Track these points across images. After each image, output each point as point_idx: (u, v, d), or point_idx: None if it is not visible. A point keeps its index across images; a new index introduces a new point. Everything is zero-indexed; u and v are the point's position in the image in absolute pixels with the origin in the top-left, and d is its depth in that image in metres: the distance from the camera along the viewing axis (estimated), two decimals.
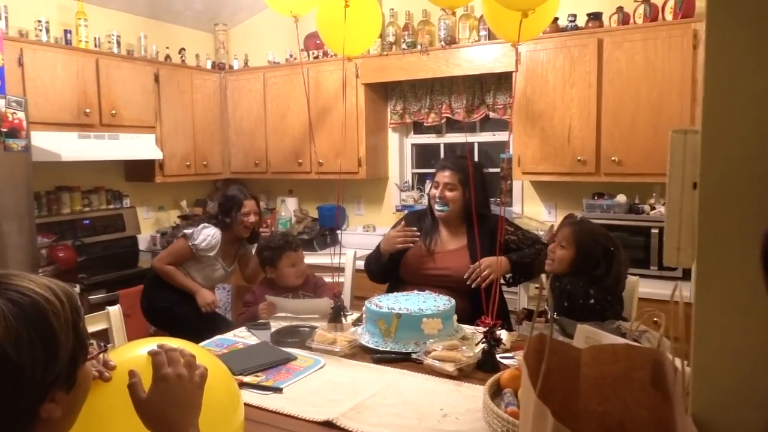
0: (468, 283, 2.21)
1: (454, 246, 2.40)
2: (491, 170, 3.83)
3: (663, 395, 0.81)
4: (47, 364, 0.74)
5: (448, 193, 2.36)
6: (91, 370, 0.86)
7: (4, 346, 0.70)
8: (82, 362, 0.81)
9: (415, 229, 2.40)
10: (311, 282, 2.58)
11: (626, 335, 1.37)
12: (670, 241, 0.83)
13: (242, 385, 1.62)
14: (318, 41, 4.00)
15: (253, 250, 2.93)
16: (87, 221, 3.67)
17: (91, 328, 1.98)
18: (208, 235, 2.81)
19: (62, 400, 0.77)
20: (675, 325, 0.82)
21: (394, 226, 2.55)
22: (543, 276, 2.03)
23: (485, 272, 2.19)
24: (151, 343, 0.95)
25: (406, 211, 2.82)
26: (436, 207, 2.39)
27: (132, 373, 0.88)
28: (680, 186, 0.82)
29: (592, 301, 1.86)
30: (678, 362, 0.76)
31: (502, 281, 2.27)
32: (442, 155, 4.07)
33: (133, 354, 0.99)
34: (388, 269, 2.45)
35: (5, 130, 2.72)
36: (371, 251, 2.56)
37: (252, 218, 2.88)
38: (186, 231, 2.87)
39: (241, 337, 2.11)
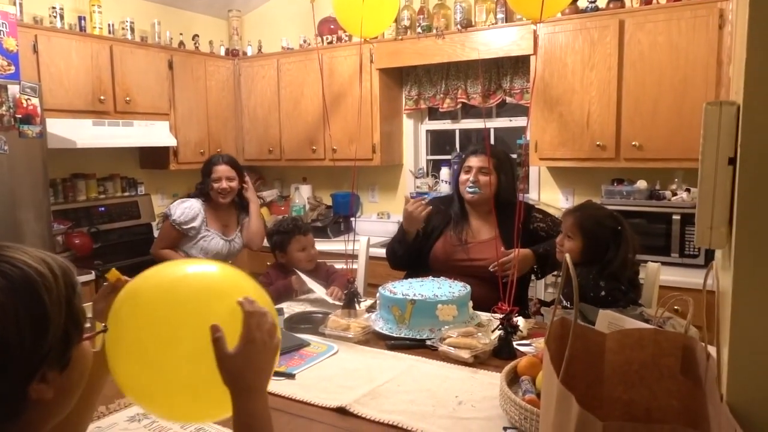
0: (490, 268, 2.16)
1: (485, 236, 2.34)
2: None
3: (693, 383, 0.77)
4: (36, 340, 0.70)
5: (482, 177, 2.30)
6: (88, 351, 0.81)
7: None
8: (76, 341, 0.77)
9: (425, 201, 2.32)
10: (323, 269, 2.55)
11: (650, 322, 1.33)
12: (703, 221, 0.78)
13: None
14: (332, 26, 3.96)
15: (251, 219, 2.98)
16: (102, 208, 3.68)
17: None
18: (185, 207, 2.80)
19: (54, 381, 0.73)
20: (700, 312, 0.78)
21: None
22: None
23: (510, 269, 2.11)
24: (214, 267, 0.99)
25: (427, 197, 2.75)
26: (468, 190, 2.32)
27: (215, 328, 0.87)
28: (714, 162, 0.77)
29: (603, 293, 1.80)
30: (711, 349, 0.72)
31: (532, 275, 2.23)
32: (457, 141, 4.01)
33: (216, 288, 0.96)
34: (414, 251, 2.38)
35: (20, 116, 2.72)
36: (389, 238, 2.51)
37: (224, 184, 2.82)
38: (166, 210, 2.87)
39: None
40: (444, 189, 3.81)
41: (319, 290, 2.25)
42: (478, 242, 2.33)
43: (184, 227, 2.80)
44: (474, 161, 2.34)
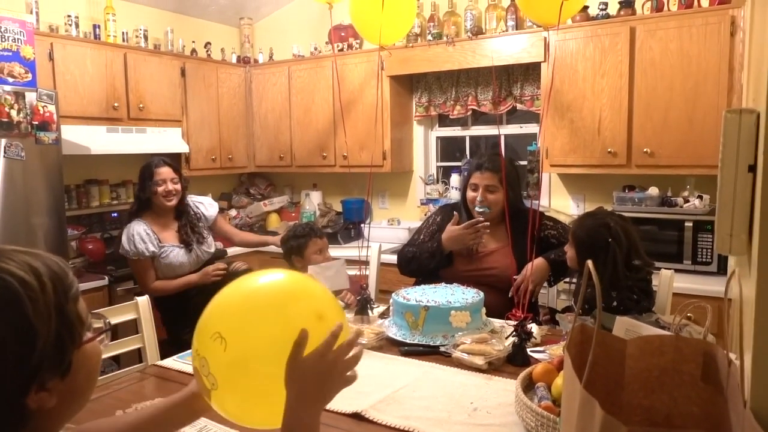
0: (510, 295, 2.14)
1: (495, 245, 2.34)
2: (518, 163, 3.77)
3: (715, 389, 0.77)
4: (22, 352, 0.67)
5: (489, 196, 2.27)
6: (96, 352, 0.78)
7: None
8: (73, 346, 0.73)
9: (487, 222, 2.25)
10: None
11: (666, 328, 1.33)
12: (723, 228, 0.79)
13: None
14: (343, 33, 3.99)
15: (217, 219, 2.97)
16: (115, 214, 3.72)
17: (120, 319, 1.99)
18: (129, 237, 2.67)
19: (56, 388, 0.71)
20: (719, 320, 0.78)
21: (429, 220, 2.51)
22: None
23: (530, 287, 2.11)
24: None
25: (434, 206, 2.76)
26: (478, 210, 2.29)
27: (303, 334, 0.88)
28: (734, 169, 0.78)
29: (614, 303, 1.79)
30: (732, 355, 0.72)
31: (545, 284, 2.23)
32: (467, 148, 4.02)
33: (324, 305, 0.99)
34: (438, 265, 2.36)
35: (37, 123, 2.76)
36: (400, 245, 2.51)
37: (169, 186, 2.70)
38: (120, 250, 2.72)
39: None
40: (454, 195, 3.81)
41: (331, 284, 2.24)
42: (488, 252, 2.33)
43: (143, 256, 2.66)
44: (480, 178, 2.29)
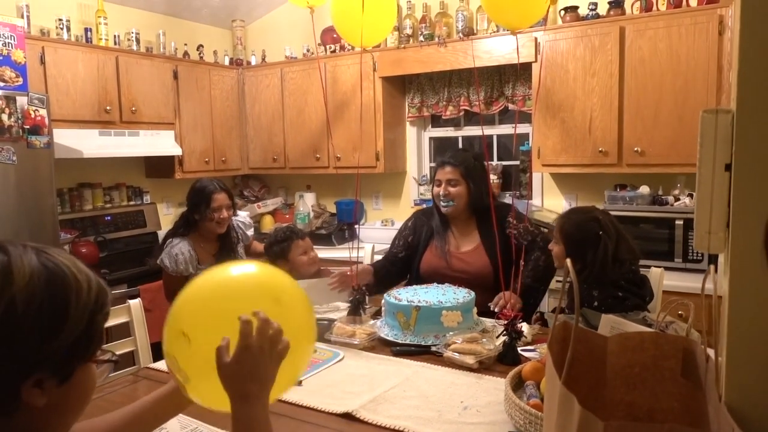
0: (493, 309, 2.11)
1: (469, 246, 2.37)
2: (510, 163, 3.79)
3: (694, 385, 0.78)
4: (46, 335, 0.71)
5: (451, 189, 2.33)
6: (95, 377, 0.80)
7: (15, 300, 0.69)
8: (83, 358, 0.76)
9: (348, 270, 2.28)
10: (326, 275, 2.57)
11: (652, 326, 1.34)
12: (701, 226, 0.80)
13: None
14: (335, 35, 3.99)
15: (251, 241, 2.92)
16: (108, 217, 3.71)
17: (112, 322, 1.99)
18: (175, 255, 2.61)
19: (50, 391, 0.72)
20: (701, 317, 0.79)
21: (403, 226, 2.57)
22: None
23: (516, 305, 2.07)
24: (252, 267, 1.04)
25: (428, 206, 2.76)
26: (441, 204, 2.36)
27: (224, 341, 0.89)
28: (711, 168, 0.79)
29: (596, 303, 1.80)
30: (711, 351, 0.73)
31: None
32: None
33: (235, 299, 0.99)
34: (402, 266, 2.50)
35: (28, 127, 2.76)
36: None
37: (224, 213, 2.66)
38: (159, 262, 2.68)
39: None
40: None
41: (320, 299, 2.26)
42: (461, 253, 2.36)
43: (184, 273, 2.61)
44: (442, 173, 2.35)
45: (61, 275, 0.73)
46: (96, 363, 0.79)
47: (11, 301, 0.68)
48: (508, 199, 3.55)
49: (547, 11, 2.19)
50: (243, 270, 1.06)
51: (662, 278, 2.19)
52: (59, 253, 0.77)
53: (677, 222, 2.83)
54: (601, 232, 1.84)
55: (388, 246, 2.61)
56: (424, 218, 2.50)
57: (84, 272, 0.77)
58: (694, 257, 2.80)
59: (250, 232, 3.05)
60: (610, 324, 1.27)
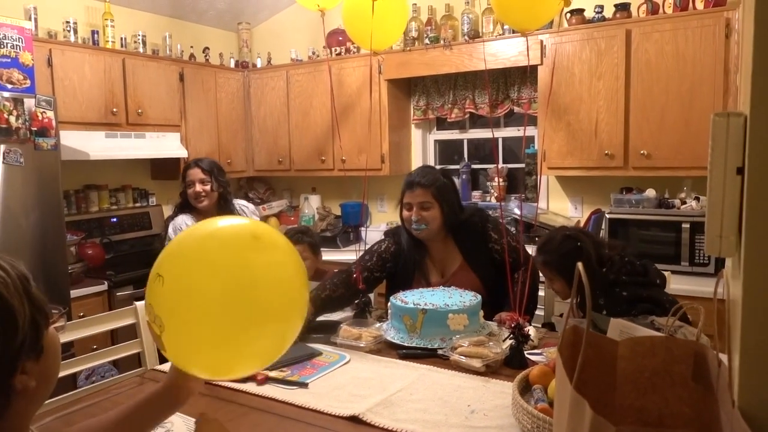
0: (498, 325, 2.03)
1: (452, 266, 2.24)
2: (515, 166, 3.79)
3: (705, 390, 0.78)
4: (8, 334, 0.73)
5: (424, 213, 2.17)
6: (56, 336, 0.84)
7: None
8: (44, 327, 0.80)
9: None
10: (328, 277, 2.56)
11: (661, 330, 1.33)
12: (712, 229, 0.80)
13: (268, 380, 1.62)
14: (340, 38, 4.00)
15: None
16: (114, 219, 3.73)
17: (119, 324, 2.00)
18: (176, 227, 2.73)
19: (33, 370, 0.77)
20: (711, 321, 0.79)
21: (373, 247, 2.33)
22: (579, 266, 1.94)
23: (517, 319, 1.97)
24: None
25: (384, 232, 2.55)
26: (413, 228, 2.19)
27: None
28: (723, 171, 0.79)
29: (604, 312, 1.79)
30: (723, 356, 0.73)
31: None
32: (465, 151, 4.03)
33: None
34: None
35: (35, 129, 2.77)
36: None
37: (198, 187, 2.77)
38: (168, 238, 2.76)
39: None
40: None
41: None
42: (448, 277, 2.21)
43: None
44: (412, 196, 2.19)
45: None
46: (56, 322, 0.83)
47: None
48: (513, 202, 3.54)
49: (561, 12, 2.16)
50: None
51: (669, 282, 2.17)
52: None
53: (684, 225, 2.81)
54: (579, 243, 1.85)
55: None
56: (394, 237, 2.31)
57: None
58: (701, 261, 2.79)
59: (255, 218, 3.07)
60: (619, 328, 1.27)
